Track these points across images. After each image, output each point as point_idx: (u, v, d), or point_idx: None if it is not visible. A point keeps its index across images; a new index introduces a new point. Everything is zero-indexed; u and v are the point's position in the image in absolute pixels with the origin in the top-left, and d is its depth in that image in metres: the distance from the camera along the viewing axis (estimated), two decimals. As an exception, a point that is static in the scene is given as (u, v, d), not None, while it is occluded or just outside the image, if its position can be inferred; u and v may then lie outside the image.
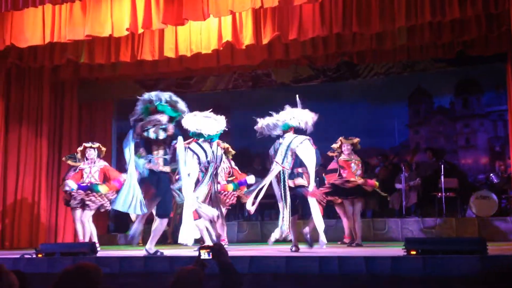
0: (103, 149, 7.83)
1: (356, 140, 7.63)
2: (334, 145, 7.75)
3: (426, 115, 10.98)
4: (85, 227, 7.46)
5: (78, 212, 7.48)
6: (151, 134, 5.88)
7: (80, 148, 7.76)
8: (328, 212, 9.17)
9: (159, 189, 5.83)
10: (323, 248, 6.12)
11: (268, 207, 9.35)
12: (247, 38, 7.52)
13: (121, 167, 11.12)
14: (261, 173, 10.65)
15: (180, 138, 6.02)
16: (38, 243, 8.13)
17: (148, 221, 6.44)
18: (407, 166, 9.46)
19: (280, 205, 6.24)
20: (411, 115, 11.01)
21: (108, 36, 7.43)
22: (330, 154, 7.94)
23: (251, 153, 10.59)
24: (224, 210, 7.51)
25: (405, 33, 7.82)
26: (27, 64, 8.69)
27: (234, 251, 6.40)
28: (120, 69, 9.05)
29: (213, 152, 6.45)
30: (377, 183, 7.61)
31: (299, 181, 6.30)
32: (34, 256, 5.72)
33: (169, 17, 6.98)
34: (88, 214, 7.50)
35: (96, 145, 7.73)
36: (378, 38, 7.96)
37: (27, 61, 8.54)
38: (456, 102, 10.76)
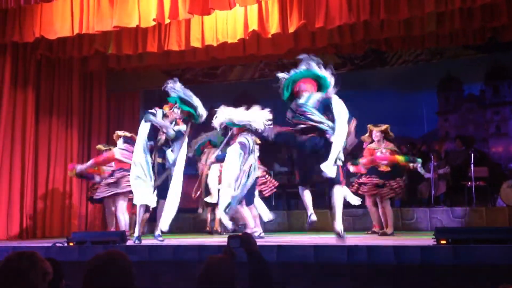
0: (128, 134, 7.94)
1: (384, 126, 7.47)
2: (364, 137, 7.67)
3: (455, 102, 10.81)
4: (119, 219, 7.48)
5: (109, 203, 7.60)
6: None
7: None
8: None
9: None
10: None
11: (295, 196, 9.34)
12: (273, 27, 7.48)
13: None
14: (287, 163, 10.67)
15: None
16: (69, 232, 8.29)
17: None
18: (436, 155, 9.33)
19: None
20: (440, 103, 10.86)
21: (135, 27, 7.48)
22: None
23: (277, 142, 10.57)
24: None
25: (434, 20, 7.68)
26: (56, 55, 8.81)
27: (262, 240, 6.42)
28: (147, 59, 9.12)
29: None
30: (399, 157, 7.39)
31: None
32: (65, 244, 5.82)
33: (195, 7, 6.98)
34: (120, 205, 7.53)
35: (122, 133, 7.82)
36: (406, 25, 7.85)
37: (57, 52, 8.65)
38: (486, 89, 10.57)
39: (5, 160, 8.33)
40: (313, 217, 5.63)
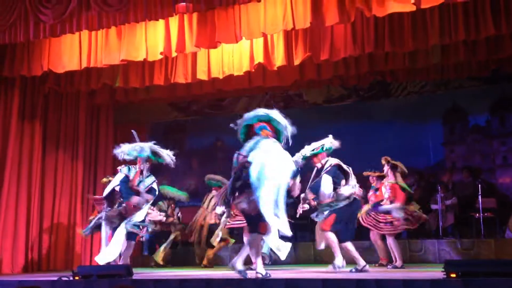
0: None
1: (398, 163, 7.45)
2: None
3: (461, 133, 10.80)
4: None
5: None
6: None
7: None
8: (362, 234, 9.06)
9: None
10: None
11: (302, 228, 9.27)
12: (279, 59, 7.55)
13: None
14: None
15: None
16: (74, 265, 8.23)
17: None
18: (443, 186, 9.29)
19: None
20: (446, 133, 10.85)
21: (142, 60, 7.57)
22: (365, 174, 7.87)
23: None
24: None
25: (439, 52, 7.74)
26: (64, 89, 8.89)
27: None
28: (154, 92, 9.18)
29: None
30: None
31: None
32: (71, 278, 5.77)
33: (202, 41, 7.08)
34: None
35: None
36: (411, 57, 7.90)
37: (64, 86, 8.75)
38: (492, 120, 10.56)
39: (11, 192, 8.34)
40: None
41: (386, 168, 7.44)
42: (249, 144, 5.51)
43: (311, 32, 7.35)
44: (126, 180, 6.92)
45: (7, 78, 8.38)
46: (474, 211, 8.83)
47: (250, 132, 5.71)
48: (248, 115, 5.72)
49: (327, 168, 6.41)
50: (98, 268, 6.49)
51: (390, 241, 7.25)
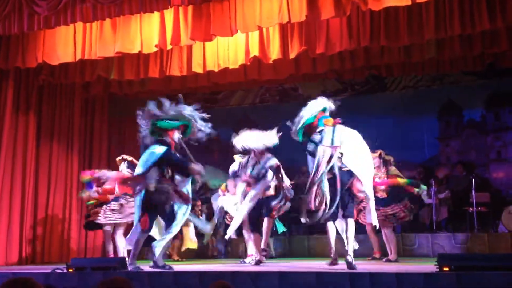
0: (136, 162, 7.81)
1: (378, 152, 7.33)
2: None
3: (456, 128, 10.83)
4: (118, 244, 7.35)
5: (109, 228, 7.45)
6: None
7: (119, 158, 7.70)
8: (357, 227, 9.06)
9: None
10: None
11: (296, 221, 9.28)
12: (274, 53, 7.54)
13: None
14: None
15: None
16: (68, 257, 8.21)
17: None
18: (437, 180, 9.32)
19: None
20: (441, 128, 10.87)
21: (137, 53, 7.55)
22: None
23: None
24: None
25: (434, 46, 7.75)
26: (58, 81, 8.85)
27: (263, 266, 6.37)
28: (149, 84, 9.15)
29: None
30: (401, 180, 7.26)
31: None
32: (65, 270, 5.77)
33: (197, 33, 7.06)
34: (120, 231, 7.38)
35: (130, 158, 7.66)
36: (406, 51, 7.91)
37: (59, 78, 8.71)
38: (487, 115, 10.59)
39: (5, 185, 8.31)
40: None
41: (376, 160, 7.41)
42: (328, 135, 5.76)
43: (306, 26, 7.34)
44: None
45: (1, 70, 8.33)
46: (468, 205, 8.86)
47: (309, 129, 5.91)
48: (305, 113, 5.97)
49: None
50: (92, 261, 6.49)
51: (388, 233, 7.22)
